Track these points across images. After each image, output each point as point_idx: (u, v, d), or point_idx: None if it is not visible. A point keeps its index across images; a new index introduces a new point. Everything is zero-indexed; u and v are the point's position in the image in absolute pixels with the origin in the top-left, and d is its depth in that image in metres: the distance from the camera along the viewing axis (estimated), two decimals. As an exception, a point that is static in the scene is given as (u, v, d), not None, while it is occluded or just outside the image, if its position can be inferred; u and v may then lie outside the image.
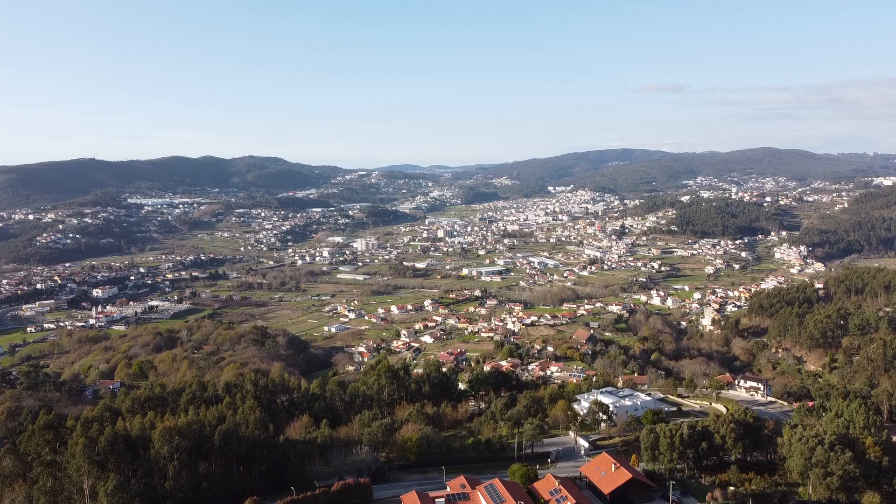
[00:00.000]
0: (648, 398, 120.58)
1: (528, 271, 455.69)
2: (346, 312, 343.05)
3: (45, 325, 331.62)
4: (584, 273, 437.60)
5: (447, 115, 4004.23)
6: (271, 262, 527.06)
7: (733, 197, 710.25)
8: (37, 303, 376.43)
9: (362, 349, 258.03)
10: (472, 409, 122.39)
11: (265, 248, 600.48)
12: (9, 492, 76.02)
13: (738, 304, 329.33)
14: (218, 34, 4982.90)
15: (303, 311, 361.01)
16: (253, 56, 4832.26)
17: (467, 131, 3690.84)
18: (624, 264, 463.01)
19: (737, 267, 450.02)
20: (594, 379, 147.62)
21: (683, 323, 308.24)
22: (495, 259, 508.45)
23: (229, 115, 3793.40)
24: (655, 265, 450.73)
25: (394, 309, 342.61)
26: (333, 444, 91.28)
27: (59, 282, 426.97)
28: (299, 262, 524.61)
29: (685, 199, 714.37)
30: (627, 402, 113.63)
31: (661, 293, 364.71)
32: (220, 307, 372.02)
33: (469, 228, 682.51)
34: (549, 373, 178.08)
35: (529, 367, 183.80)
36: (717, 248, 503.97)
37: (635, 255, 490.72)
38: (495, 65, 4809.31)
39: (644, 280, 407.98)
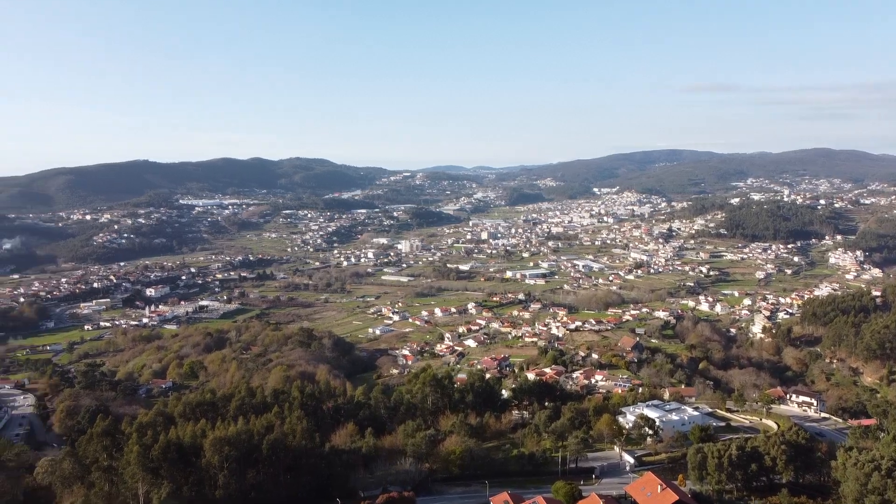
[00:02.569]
0: (696, 413, 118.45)
1: (572, 274, 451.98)
2: (391, 314, 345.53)
3: (102, 324, 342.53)
4: (630, 277, 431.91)
5: (491, 116, 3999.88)
6: (317, 263, 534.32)
7: (785, 199, 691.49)
8: (93, 301, 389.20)
9: (406, 352, 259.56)
10: (515, 419, 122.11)
11: (311, 249, 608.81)
12: (68, 493, 79.06)
13: (790, 311, 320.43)
14: (265, 37, 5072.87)
15: (348, 313, 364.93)
16: (300, 58, 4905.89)
17: (511, 132, 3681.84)
18: (671, 268, 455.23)
19: (789, 272, 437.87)
20: (640, 390, 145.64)
21: (733, 330, 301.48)
22: (539, 262, 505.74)
23: (276, 117, 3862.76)
24: (704, 269, 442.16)
25: (437, 311, 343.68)
26: (378, 454, 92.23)
27: (115, 281, 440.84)
28: (344, 263, 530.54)
29: (735, 201, 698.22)
30: (674, 417, 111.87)
31: (710, 298, 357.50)
32: (267, 307, 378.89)
33: (513, 230, 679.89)
34: (593, 381, 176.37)
35: (574, 376, 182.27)
36: (769, 252, 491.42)
37: (683, 259, 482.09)
38: (540, 65, 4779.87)
39: (692, 285, 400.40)
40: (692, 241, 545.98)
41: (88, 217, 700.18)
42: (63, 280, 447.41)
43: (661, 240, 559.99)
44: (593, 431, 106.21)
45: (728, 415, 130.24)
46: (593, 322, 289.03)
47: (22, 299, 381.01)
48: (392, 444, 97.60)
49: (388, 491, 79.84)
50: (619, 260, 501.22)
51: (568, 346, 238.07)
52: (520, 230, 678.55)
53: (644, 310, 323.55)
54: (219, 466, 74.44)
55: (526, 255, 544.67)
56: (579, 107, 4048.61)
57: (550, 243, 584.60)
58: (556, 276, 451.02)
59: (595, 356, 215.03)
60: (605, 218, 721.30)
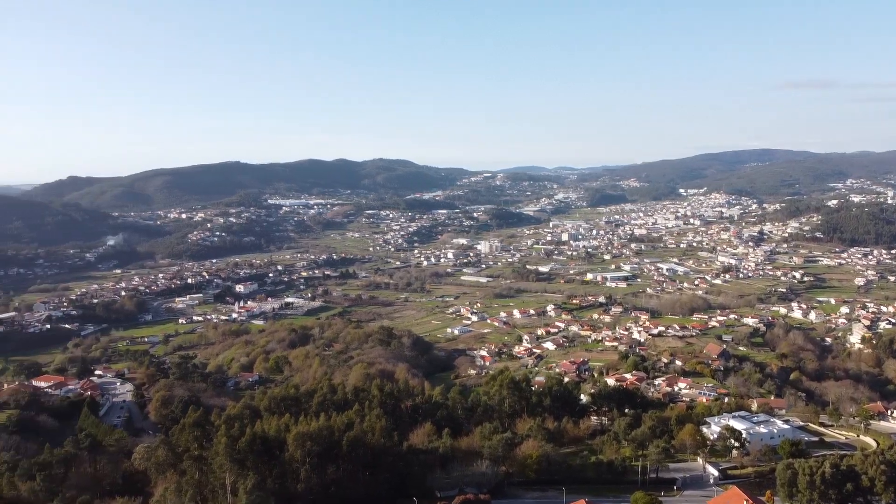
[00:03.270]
0: (786, 426, 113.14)
1: (655, 278, 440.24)
2: (469, 315, 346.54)
3: (194, 318, 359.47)
4: (717, 281, 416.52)
5: (574, 116, 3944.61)
6: (398, 263, 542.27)
7: (889, 201, 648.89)
8: (187, 296, 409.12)
9: (484, 353, 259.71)
10: (593, 425, 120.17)
11: (392, 249, 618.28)
12: (162, 479, 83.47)
13: (892, 320, 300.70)
14: (350, 41, 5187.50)
15: (427, 312, 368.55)
16: (385, 60, 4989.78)
17: (594, 132, 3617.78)
18: (761, 273, 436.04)
19: (892, 279, 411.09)
20: (726, 400, 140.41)
21: (828, 339, 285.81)
22: (621, 264, 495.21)
23: (361, 119, 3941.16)
24: (797, 275, 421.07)
25: (516, 313, 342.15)
26: (454, 454, 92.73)
27: (207, 277, 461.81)
28: (424, 263, 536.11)
29: (832, 203, 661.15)
30: (762, 430, 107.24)
31: (804, 306, 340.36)
32: (349, 306, 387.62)
33: (594, 232, 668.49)
34: (676, 389, 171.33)
35: (655, 383, 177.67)
36: (869, 257, 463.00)
37: (774, 264, 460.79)
38: (626, 65, 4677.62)
39: (784, 291, 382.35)
40: (785, 245, 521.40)
41: (184, 216, 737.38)
42: (160, 275, 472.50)
43: (750, 243, 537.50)
44: (675, 441, 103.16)
45: (821, 429, 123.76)
46: (677, 327, 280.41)
47: (123, 293, 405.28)
48: (469, 445, 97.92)
49: (465, 492, 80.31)
50: (706, 263, 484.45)
51: (650, 352, 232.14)
52: (601, 232, 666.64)
53: (732, 316, 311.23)
54: (301, 461, 76.94)
55: (607, 257, 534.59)
56: (666, 106, 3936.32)
57: (633, 245, 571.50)
58: (639, 280, 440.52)
59: (678, 363, 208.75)
60: (691, 220, 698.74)
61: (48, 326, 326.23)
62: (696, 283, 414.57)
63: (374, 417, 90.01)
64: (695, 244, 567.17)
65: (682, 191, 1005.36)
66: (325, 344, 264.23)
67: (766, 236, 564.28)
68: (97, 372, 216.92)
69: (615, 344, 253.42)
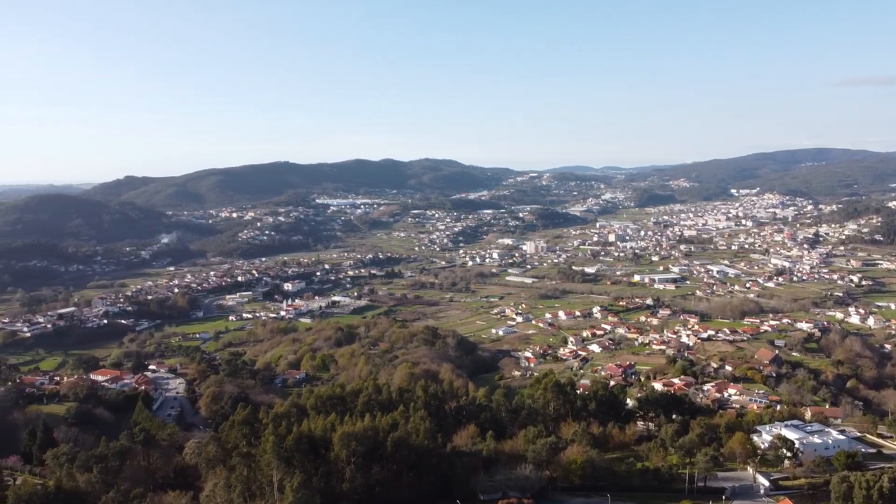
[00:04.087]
0: (842, 437, 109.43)
1: (705, 280, 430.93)
2: (514, 316, 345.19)
3: (244, 315, 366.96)
4: (770, 284, 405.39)
5: (622, 115, 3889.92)
6: (443, 263, 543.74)
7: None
8: (237, 294, 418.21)
9: (529, 354, 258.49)
10: (640, 430, 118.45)
11: (438, 249, 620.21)
12: (212, 475, 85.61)
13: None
14: (396, 41, 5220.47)
15: (472, 313, 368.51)
16: (431, 59, 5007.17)
17: (643, 131, 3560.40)
18: (817, 276, 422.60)
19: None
20: (778, 408, 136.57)
21: (888, 346, 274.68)
22: (669, 266, 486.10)
23: (407, 119, 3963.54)
24: (855, 279, 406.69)
25: (561, 314, 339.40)
26: (498, 458, 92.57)
27: (256, 275, 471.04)
28: (470, 263, 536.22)
29: (893, 204, 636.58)
30: (816, 440, 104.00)
31: (861, 311, 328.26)
32: (394, 305, 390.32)
33: (642, 233, 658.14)
34: (725, 395, 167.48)
35: (704, 388, 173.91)
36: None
37: (830, 267, 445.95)
38: (675, 62, 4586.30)
39: (840, 295, 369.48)
40: (842, 248, 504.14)
41: (234, 215, 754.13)
42: (211, 273, 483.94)
43: (805, 245, 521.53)
44: (724, 449, 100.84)
45: (880, 441, 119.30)
46: (727, 331, 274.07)
47: (176, 290, 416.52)
48: (512, 448, 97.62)
49: (508, 496, 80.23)
50: (758, 266, 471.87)
51: (699, 357, 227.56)
52: (649, 233, 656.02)
53: (785, 320, 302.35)
54: (346, 460, 77.96)
55: (655, 258, 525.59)
56: (718, 104, 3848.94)
57: (682, 247, 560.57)
58: (688, 282, 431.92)
59: (728, 368, 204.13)
60: (742, 221, 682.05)
61: (105, 322, 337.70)
62: (748, 285, 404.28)
63: (418, 419, 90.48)
64: (747, 246, 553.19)
65: (733, 191, 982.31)
66: (371, 343, 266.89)
67: (821, 238, 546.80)
68: (151, 367, 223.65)
69: (663, 347, 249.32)
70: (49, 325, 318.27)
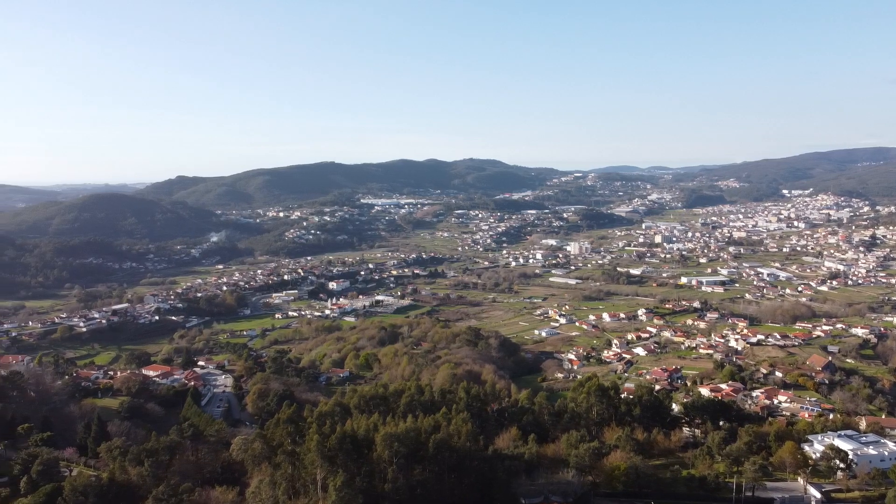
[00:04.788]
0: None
1: (755, 283, 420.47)
2: (557, 317, 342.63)
3: (290, 313, 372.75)
4: (823, 288, 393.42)
5: (669, 114, 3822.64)
6: (486, 263, 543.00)
7: None
8: (283, 292, 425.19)
9: (572, 356, 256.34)
10: (685, 437, 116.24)
11: (481, 249, 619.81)
12: (257, 471, 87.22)
13: None
14: (442, 42, 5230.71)
15: (514, 313, 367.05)
16: (477, 60, 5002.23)
17: (691, 130, 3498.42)
18: (873, 280, 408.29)
19: None
20: (831, 417, 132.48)
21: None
22: (718, 268, 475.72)
23: (451, 119, 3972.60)
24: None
25: (605, 316, 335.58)
26: (540, 461, 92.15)
27: (302, 274, 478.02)
28: (513, 263, 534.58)
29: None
30: (872, 451, 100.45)
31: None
32: (437, 305, 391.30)
33: (689, 234, 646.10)
34: (775, 403, 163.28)
35: (753, 395, 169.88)
36: None
37: (888, 271, 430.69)
38: (727, 59, 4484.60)
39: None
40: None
41: (281, 214, 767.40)
42: (259, 272, 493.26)
43: (861, 248, 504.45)
44: (773, 459, 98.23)
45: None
46: (778, 336, 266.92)
47: (225, 288, 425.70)
48: (554, 452, 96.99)
49: (550, 501, 79.77)
50: (811, 269, 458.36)
51: (747, 362, 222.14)
52: (697, 234, 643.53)
53: (839, 325, 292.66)
54: (388, 461, 78.52)
55: (703, 260, 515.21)
56: (770, 101, 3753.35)
57: (731, 249, 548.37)
58: (737, 285, 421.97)
59: (778, 374, 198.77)
60: (795, 223, 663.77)
61: (157, 318, 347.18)
62: (800, 289, 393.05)
63: (460, 421, 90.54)
64: (799, 248, 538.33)
65: (785, 192, 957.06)
66: (414, 343, 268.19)
67: (879, 241, 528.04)
68: (200, 363, 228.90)
69: (710, 352, 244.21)
70: (104, 321, 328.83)
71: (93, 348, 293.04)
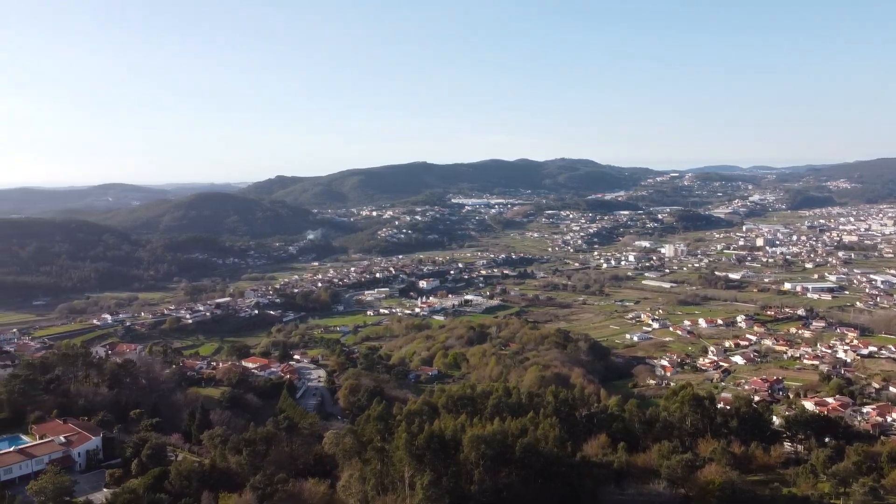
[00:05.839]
0: None
1: (867, 291, 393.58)
2: (650, 321, 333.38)
3: (381, 310, 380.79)
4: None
5: (772, 110, 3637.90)
6: (576, 264, 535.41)
7: None
8: (375, 290, 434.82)
9: (665, 363, 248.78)
10: (787, 453, 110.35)
11: (571, 250, 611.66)
12: (348, 466, 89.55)
13: None
14: (529, 43, 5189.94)
15: (605, 316, 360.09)
16: (567, 57, 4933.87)
17: (796, 128, 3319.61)
18: None
19: None
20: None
21: None
22: (825, 274, 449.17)
23: (544, 119, 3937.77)
24: None
25: (701, 322, 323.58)
26: (629, 471, 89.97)
27: (394, 272, 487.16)
28: (604, 265, 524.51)
29: None
30: None
31: None
32: (526, 306, 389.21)
33: (794, 237, 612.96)
34: (889, 420, 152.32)
35: (863, 411, 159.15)
36: None
37: None
38: (835, 51, 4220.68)
39: None
40: None
41: (374, 213, 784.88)
42: (352, 269, 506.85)
43: None
44: (885, 481, 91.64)
45: None
46: (893, 349, 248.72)
47: (319, 284, 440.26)
48: (645, 462, 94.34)
49: (639, 512, 77.79)
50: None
51: (857, 375, 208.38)
52: (802, 237, 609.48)
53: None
54: (475, 463, 78.81)
55: (809, 265, 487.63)
56: (889, 95, 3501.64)
57: (841, 254, 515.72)
58: (846, 292, 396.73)
59: (893, 390, 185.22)
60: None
61: (256, 312, 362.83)
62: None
63: (547, 425, 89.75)
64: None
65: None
66: (502, 343, 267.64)
67: None
68: (295, 356, 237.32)
69: (815, 363, 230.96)
70: (208, 314, 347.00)
71: (197, 339, 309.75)
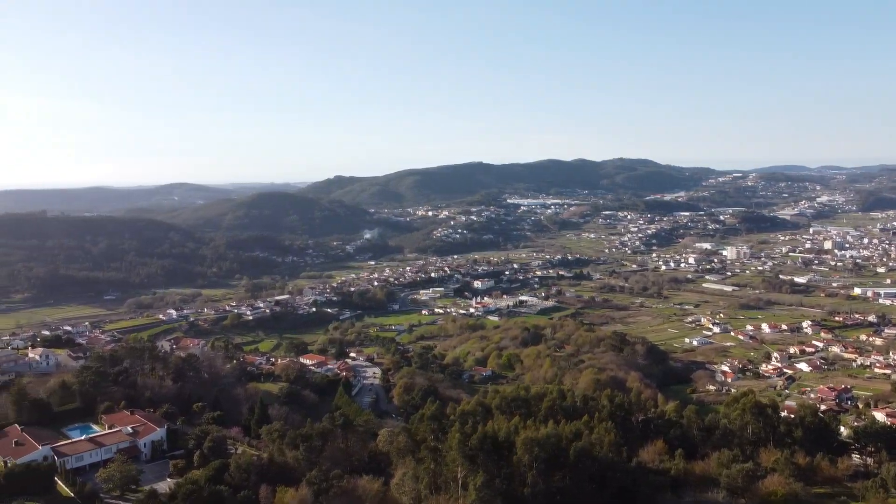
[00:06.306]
0: None
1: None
2: (710, 325, 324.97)
3: (436, 310, 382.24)
4: None
5: (841, 107, 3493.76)
6: (634, 266, 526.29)
7: None
8: (430, 289, 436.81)
9: (725, 368, 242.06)
10: (855, 465, 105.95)
11: (629, 251, 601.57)
12: (401, 464, 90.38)
13: None
14: (590, 41, 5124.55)
15: (663, 319, 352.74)
16: (625, 55, 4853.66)
17: (868, 125, 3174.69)
18: None
19: None
20: None
21: None
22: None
23: (601, 118, 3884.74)
24: None
25: (764, 327, 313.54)
26: (687, 479, 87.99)
27: (448, 272, 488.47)
28: (663, 267, 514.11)
29: None
30: None
31: None
32: (581, 307, 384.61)
33: (865, 240, 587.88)
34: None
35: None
36: None
37: None
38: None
39: None
40: None
41: (430, 213, 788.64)
42: (407, 268, 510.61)
43: None
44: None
45: None
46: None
47: (375, 283, 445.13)
48: (703, 470, 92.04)
49: (696, 521, 76.06)
50: None
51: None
52: (874, 240, 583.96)
53: None
54: (528, 465, 78.43)
55: (881, 270, 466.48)
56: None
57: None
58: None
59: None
60: None
61: (314, 310, 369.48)
62: None
63: (602, 430, 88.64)
64: None
65: None
66: (557, 345, 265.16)
67: None
68: (351, 354, 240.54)
69: (887, 372, 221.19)
70: (267, 310, 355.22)
71: (257, 335, 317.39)
